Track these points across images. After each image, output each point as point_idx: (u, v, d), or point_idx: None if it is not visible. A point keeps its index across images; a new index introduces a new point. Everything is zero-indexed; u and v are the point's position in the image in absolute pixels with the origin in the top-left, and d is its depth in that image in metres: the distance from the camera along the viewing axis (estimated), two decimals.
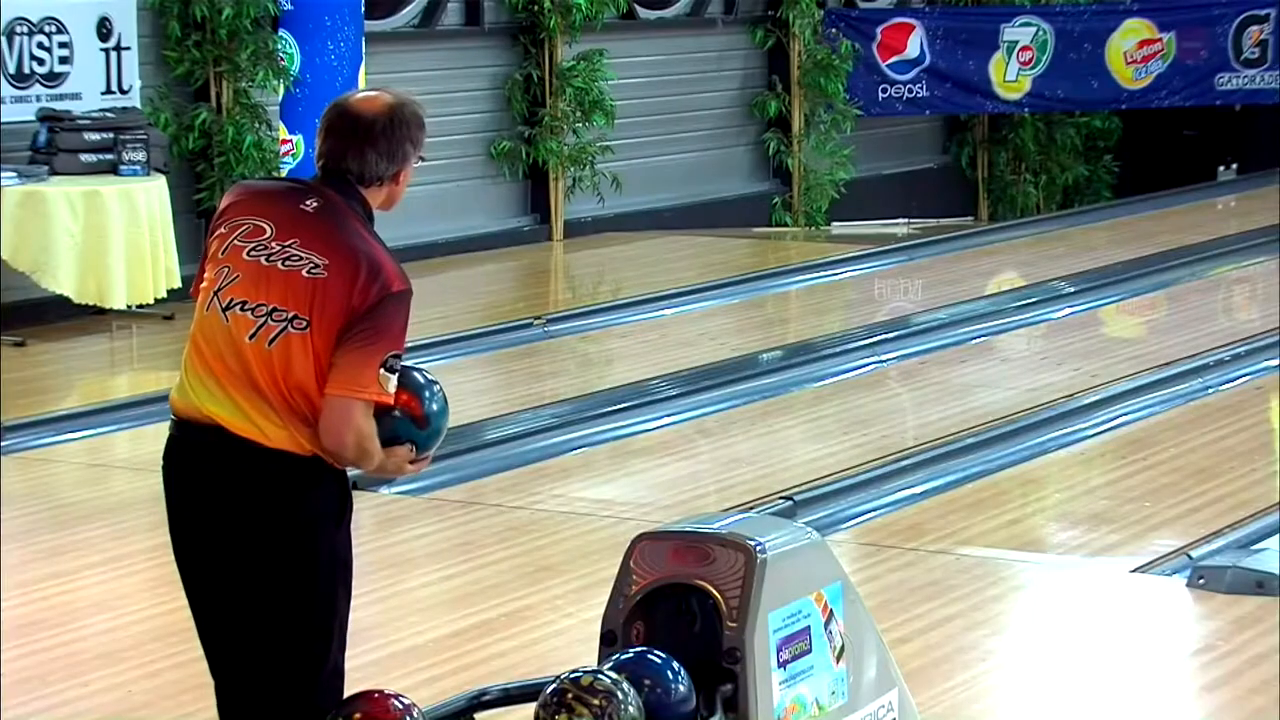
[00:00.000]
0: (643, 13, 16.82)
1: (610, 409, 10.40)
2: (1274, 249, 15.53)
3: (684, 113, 17.04)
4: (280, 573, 4.71)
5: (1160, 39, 19.16)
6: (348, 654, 4.84)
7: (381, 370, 4.70)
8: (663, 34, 17.05)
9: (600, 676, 4.68)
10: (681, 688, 4.83)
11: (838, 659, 5.27)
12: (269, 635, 4.71)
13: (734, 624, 5.00)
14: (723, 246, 15.85)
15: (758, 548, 5.07)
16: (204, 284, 4.89)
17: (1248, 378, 11.26)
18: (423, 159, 4.99)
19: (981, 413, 10.23)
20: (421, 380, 4.89)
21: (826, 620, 5.24)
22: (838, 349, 11.89)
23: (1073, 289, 13.80)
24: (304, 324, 4.72)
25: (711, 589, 5.04)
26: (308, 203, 4.85)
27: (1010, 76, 18.79)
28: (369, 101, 4.90)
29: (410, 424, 4.83)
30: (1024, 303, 13.45)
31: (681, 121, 17.00)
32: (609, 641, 5.07)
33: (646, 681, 4.75)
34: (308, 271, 4.75)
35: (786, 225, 17.39)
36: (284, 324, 4.73)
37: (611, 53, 15.86)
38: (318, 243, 4.79)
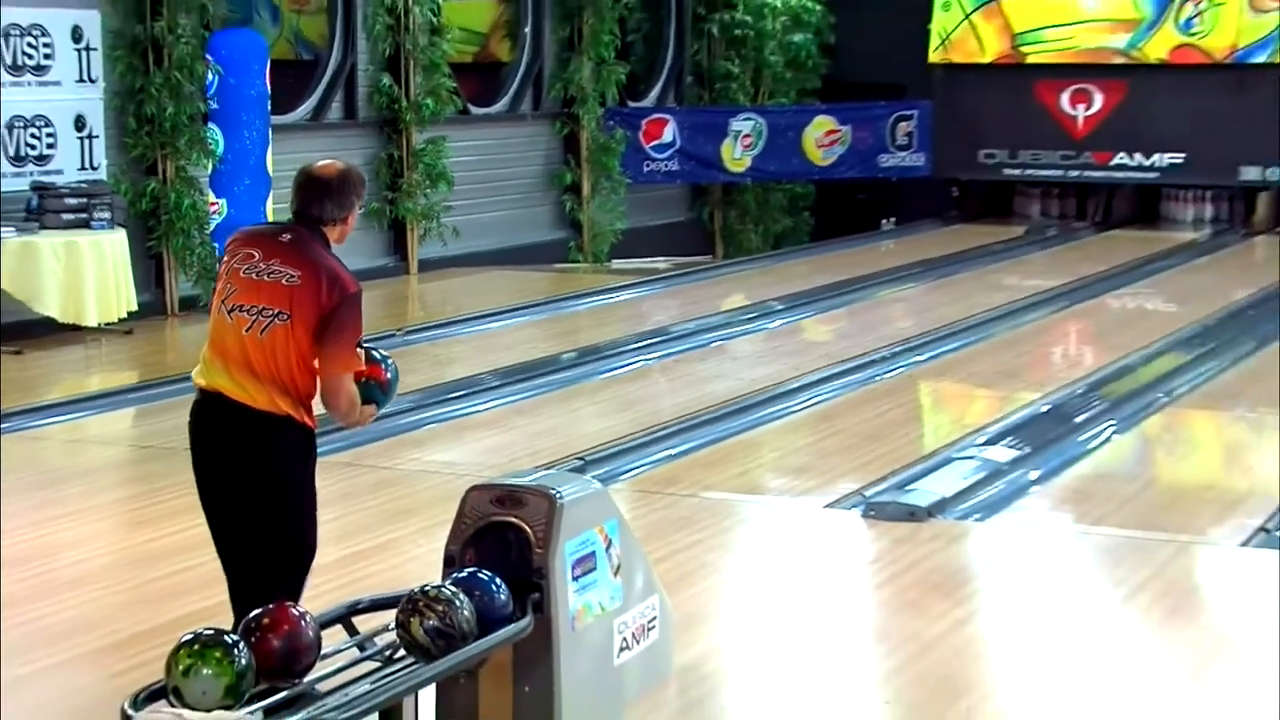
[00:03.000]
0: (474, 110, 16.76)
1: (452, 395, 10.35)
2: (922, 278, 15.76)
3: (504, 181, 17.03)
4: (264, 493, 5.00)
5: (840, 130, 19.36)
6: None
7: (357, 349, 5.08)
8: (489, 125, 16.99)
9: (443, 589, 4.65)
10: (502, 596, 4.81)
11: (615, 574, 5.27)
12: (260, 533, 5.02)
13: (540, 550, 4.99)
14: (532, 278, 15.82)
15: (557, 495, 5.07)
16: (215, 298, 5.13)
17: (903, 369, 11.39)
18: (362, 208, 5.28)
19: (717, 396, 10.27)
20: (378, 355, 5.25)
21: (607, 546, 5.24)
22: (616, 351, 11.92)
23: (781, 307, 13.92)
24: (286, 318, 4.98)
25: (524, 525, 5.02)
26: (284, 236, 5.13)
27: (736, 155, 18.90)
28: (326, 167, 5.20)
29: (376, 388, 5.18)
30: (747, 317, 13.54)
31: (502, 188, 16.98)
32: (449, 564, 5.04)
33: (476, 592, 4.73)
34: (285, 281, 5.02)
35: (579, 263, 17.38)
36: (271, 319, 4.99)
37: (451, 138, 15.80)
38: (292, 261, 5.04)
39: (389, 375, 5.25)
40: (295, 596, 4.87)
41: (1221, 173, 19.28)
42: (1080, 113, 19.63)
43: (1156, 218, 19.99)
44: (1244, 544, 7.30)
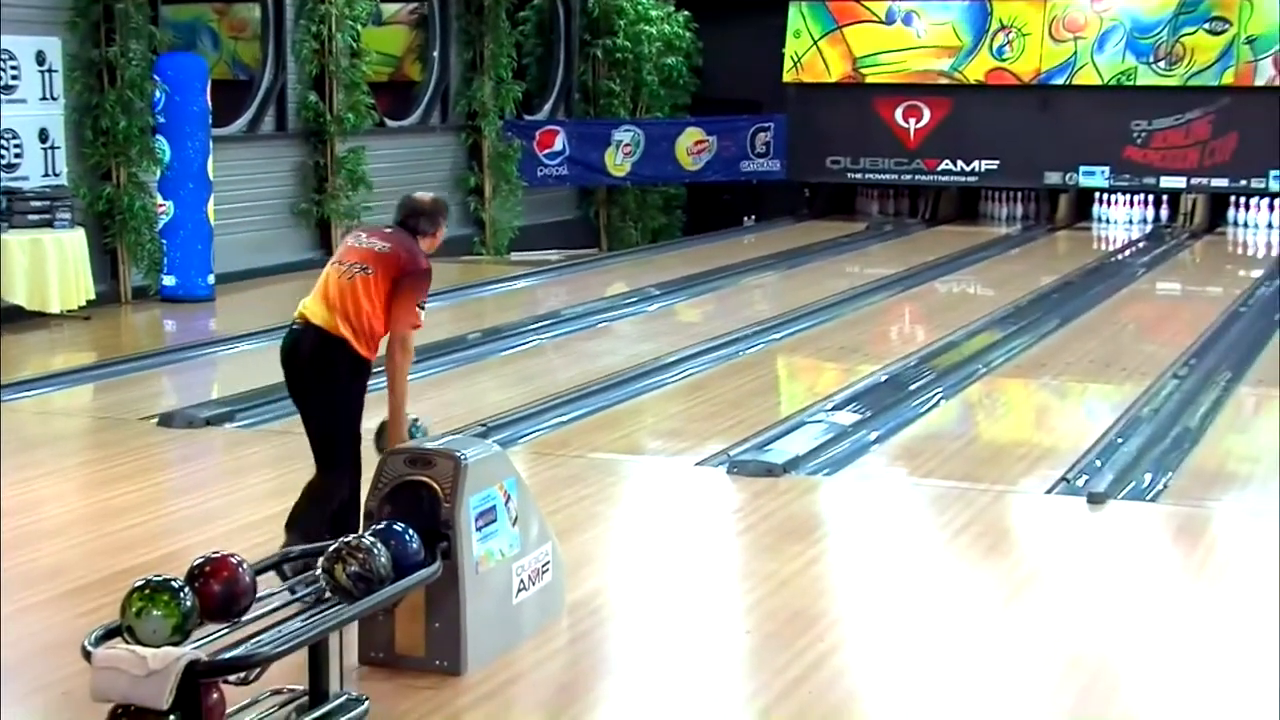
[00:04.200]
0: (390, 123, 16.61)
1: (372, 372, 10.25)
2: (778, 268, 15.82)
3: (416, 185, 16.54)
4: (318, 390, 5.81)
5: (708, 140, 19.36)
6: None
7: (416, 309, 5.80)
8: (403, 136, 16.83)
9: (363, 539, 4.62)
10: (414, 545, 4.79)
11: (513, 524, 5.25)
12: (326, 421, 5.83)
13: (448, 504, 4.97)
14: (442, 269, 15.66)
15: (462, 457, 5.05)
16: (331, 262, 5.91)
17: (762, 345, 11.44)
18: (443, 228, 6.10)
19: (603, 370, 10.27)
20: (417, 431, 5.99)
21: (506, 501, 5.23)
22: (515, 332, 11.87)
23: (659, 293, 13.92)
24: (369, 270, 5.76)
25: (433, 483, 5.00)
26: (387, 228, 5.97)
27: (618, 162, 18.85)
28: (423, 196, 6.09)
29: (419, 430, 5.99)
30: (629, 302, 13.54)
31: (415, 190, 16.75)
32: (369, 518, 5.01)
33: (392, 542, 4.70)
34: (376, 249, 5.81)
35: (482, 255, 17.29)
36: (358, 270, 5.77)
37: (370, 148, 15.64)
38: (386, 240, 5.85)
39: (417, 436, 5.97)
40: (351, 470, 5.77)
41: (1029, 177, 19.53)
42: (912, 125, 19.79)
43: (976, 215, 20.17)
44: (1049, 491, 7.40)
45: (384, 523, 4.82)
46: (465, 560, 4.96)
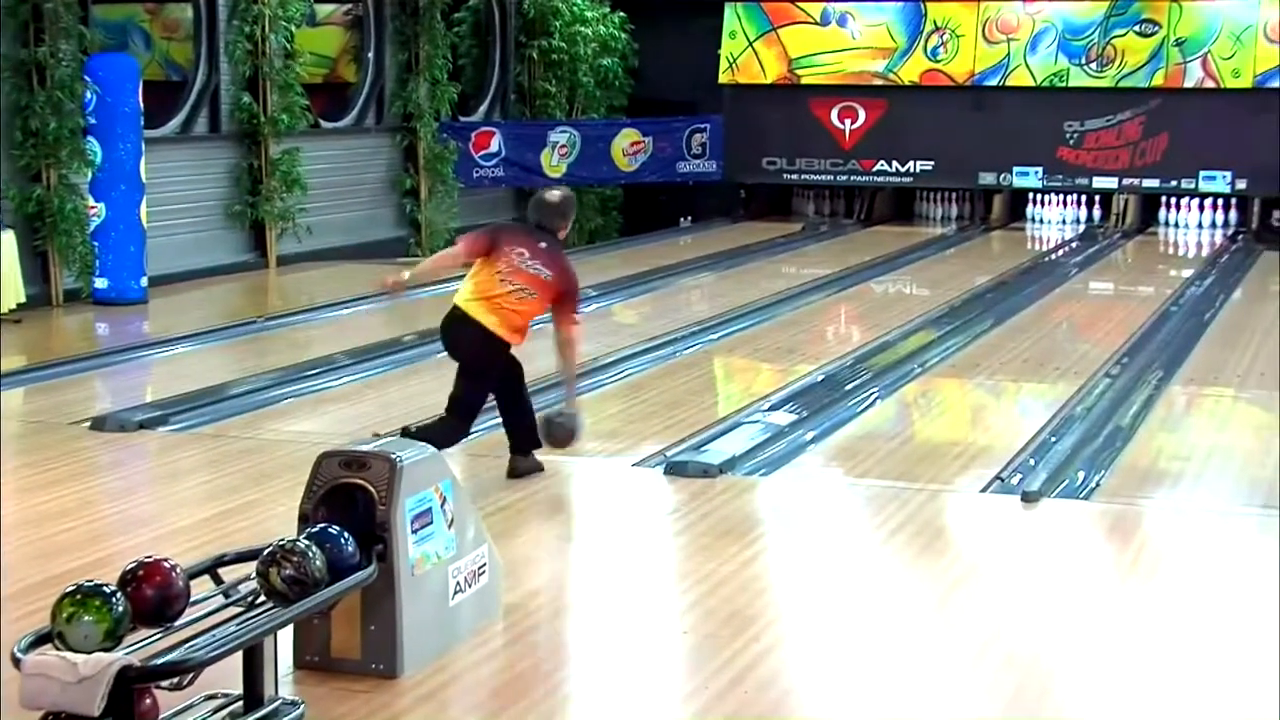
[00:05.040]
0: (325, 124, 16.54)
1: (309, 373, 10.23)
2: (715, 268, 15.86)
3: (352, 186, 16.83)
4: (484, 376, 7.38)
5: (644, 141, 19.41)
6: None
7: (576, 315, 7.45)
8: (338, 138, 16.76)
9: (297, 543, 4.59)
10: (350, 548, 4.76)
11: (449, 527, 5.24)
12: (475, 391, 7.40)
13: (383, 507, 4.95)
14: (378, 271, 15.63)
15: (397, 459, 5.03)
16: (497, 274, 7.27)
17: (699, 346, 11.47)
18: (572, 217, 7.59)
19: (540, 371, 10.22)
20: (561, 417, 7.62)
21: (442, 503, 5.21)
22: None
23: (596, 293, 13.87)
24: (534, 295, 7.27)
25: (368, 486, 4.98)
26: (542, 247, 7.32)
27: (554, 163, 18.86)
28: (552, 197, 7.49)
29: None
30: None
31: (350, 192, 16.78)
32: (304, 521, 4.98)
33: (327, 545, 4.68)
34: (543, 278, 7.29)
35: (418, 257, 17.19)
36: (526, 294, 7.24)
37: (304, 149, 15.57)
38: (549, 268, 7.30)
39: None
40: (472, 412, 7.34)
41: (964, 178, 19.68)
42: (847, 126, 19.89)
43: (911, 215, 20.32)
44: (983, 490, 7.46)
45: (319, 526, 4.80)
46: (401, 563, 4.94)
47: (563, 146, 18.87)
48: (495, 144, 18.49)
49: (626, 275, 14.98)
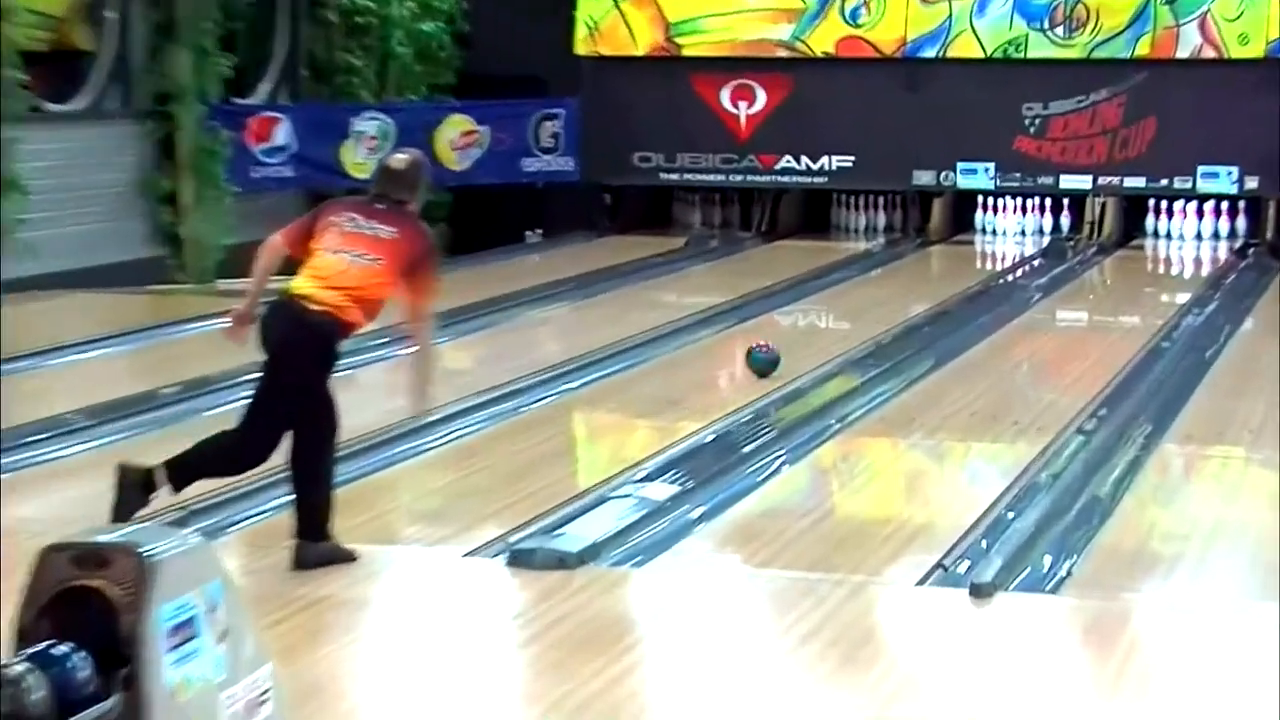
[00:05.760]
0: (50, 107, 16.37)
1: (32, 439, 10.07)
2: (572, 296, 15.90)
3: (88, 190, 16.67)
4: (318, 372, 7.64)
5: (478, 130, 19.46)
6: None
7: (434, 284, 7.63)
8: (67, 125, 16.64)
9: (10, 668, 4.51)
10: (83, 673, 4.67)
11: (219, 641, 5.17)
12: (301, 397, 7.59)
13: (130, 616, 4.87)
14: (125, 302, 15.54)
15: (148, 553, 4.95)
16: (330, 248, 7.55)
17: (553, 398, 11.46)
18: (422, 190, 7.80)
19: (345, 432, 10.14)
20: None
21: (209, 610, 5.14)
22: (227, 384, 11.65)
23: None
24: (380, 261, 7.46)
25: (109, 589, 4.91)
26: (379, 209, 7.59)
27: (358, 159, 18.79)
28: (397, 161, 7.85)
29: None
30: (376, 342, 13.40)
31: (86, 198, 16.62)
32: (22, 638, 4.89)
33: (53, 669, 4.59)
34: (383, 236, 7.48)
35: (180, 284, 17.11)
36: (368, 260, 7.46)
37: (24, 140, 15.40)
38: (392, 226, 7.55)
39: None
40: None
41: (894, 177, 19.90)
42: (742, 111, 20.07)
43: (827, 226, 20.55)
44: (921, 582, 7.51)
45: (43, 644, 4.72)
46: (155, 690, 4.87)
47: (371, 138, 18.83)
48: (281, 135, 18.42)
49: (456, 307, 14.90)
